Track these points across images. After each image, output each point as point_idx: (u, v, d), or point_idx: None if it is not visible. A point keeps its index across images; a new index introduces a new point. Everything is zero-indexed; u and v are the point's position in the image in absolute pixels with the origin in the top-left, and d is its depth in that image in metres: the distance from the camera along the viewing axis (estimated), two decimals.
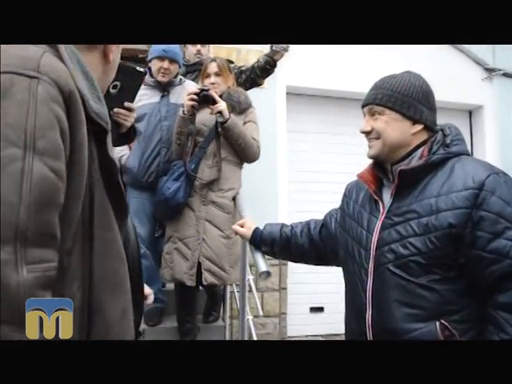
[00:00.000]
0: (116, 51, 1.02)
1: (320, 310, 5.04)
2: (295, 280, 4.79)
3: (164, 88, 2.93)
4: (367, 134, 1.46)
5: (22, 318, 0.70)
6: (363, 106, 1.49)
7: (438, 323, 1.26)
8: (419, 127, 1.41)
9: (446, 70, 5.25)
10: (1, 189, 0.70)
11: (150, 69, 2.96)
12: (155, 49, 2.91)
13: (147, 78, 2.92)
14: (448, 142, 1.39)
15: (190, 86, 2.98)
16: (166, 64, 2.88)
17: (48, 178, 0.74)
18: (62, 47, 0.87)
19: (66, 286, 0.81)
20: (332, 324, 4.63)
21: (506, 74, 5.50)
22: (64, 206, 0.78)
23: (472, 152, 5.61)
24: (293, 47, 4.23)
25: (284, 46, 3.00)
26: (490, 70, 5.49)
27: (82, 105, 0.82)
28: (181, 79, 3.04)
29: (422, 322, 1.28)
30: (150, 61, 2.95)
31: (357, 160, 4.73)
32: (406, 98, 1.40)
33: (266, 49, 4.60)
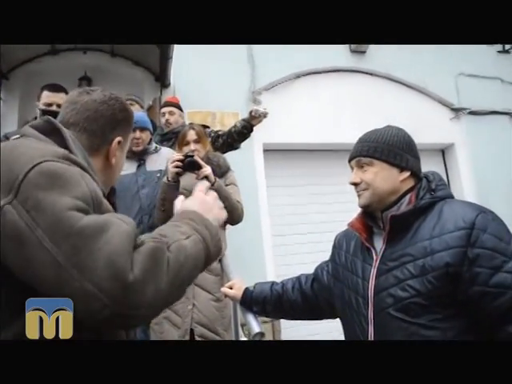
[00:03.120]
0: (119, 155, 1.08)
1: None
2: (289, 336, 4.68)
3: (139, 157, 2.96)
4: (356, 185, 1.51)
5: None
6: (350, 160, 1.54)
7: None
8: (406, 174, 1.47)
9: (414, 114, 5.48)
10: None
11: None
12: None
13: None
14: (433, 187, 1.46)
15: (167, 152, 3.02)
16: (137, 134, 2.93)
17: None
18: (71, 143, 0.95)
19: None
20: None
21: (472, 112, 5.76)
22: None
23: (449, 186, 5.73)
24: (265, 107, 4.39)
25: (263, 111, 3.07)
26: (456, 110, 5.74)
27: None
28: (156, 146, 3.08)
29: None
30: None
31: (337, 208, 4.85)
32: (391, 148, 1.47)
33: (241, 111, 4.82)
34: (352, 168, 1.54)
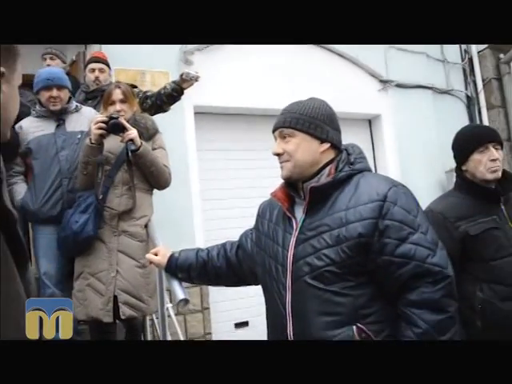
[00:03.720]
0: (7, 90, 0.92)
1: (245, 324, 5.04)
2: (217, 298, 4.76)
3: (58, 117, 2.80)
4: (279, 155, 1.53)
5: None
6: (274, 130, 1.56)
7: (354, 327, 1.34)
8: (326, 146, 1.50)
9: (344, 83, 5.57)
10: None
11: (39, 100, 2.83)
12: (39, 79, 2.80)
13: (38, 108, 2.81)
14: (352, 160, 1.50)
15: (89, 112, 2.88)
16: (54, 92, 2.77)
17: None
18: None
19: None
20: (258, 337, 4.64)
21: (398, 85, 5.95)
22: None
23: (374, 156, 5.98)
24: (197, 67, 4.26)
25: (194, 74, 2.97)
26: (384, 82, 5.90)
27: None
28: (77, 106, 2.92)
29: (340, 328, 1.35)
30: (38, 92, 2.82)
31: (267, 174, 4.89)
32: (312, 120, 1.49)
33: (171, 71, 4.65)
34: (275, 138, 1.56)
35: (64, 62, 3.74)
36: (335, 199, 1.44)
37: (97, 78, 3.24)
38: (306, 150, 1.49)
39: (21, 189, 2.74)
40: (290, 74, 5.23)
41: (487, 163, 1.96)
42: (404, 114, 5.92)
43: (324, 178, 1.48)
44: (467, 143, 2.02)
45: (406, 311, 1.34)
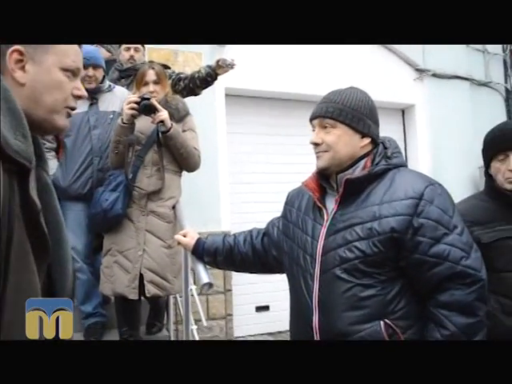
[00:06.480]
0: (33, 71, 0.92)
1: (266, 308, 5.08)
2: (240, 281, 4.80)
3: (92, 96, 2.82)
4: (316, 145, 1.49)
5: None
6: (313, 119, 1.52)
7: (382, 322, 1.33)
8: (367, 141, 1.48)
9: (379, 70, 5.46)
10: None
11: None
12: None
13: None
14: (389, 154, 1.48)
15: (122, 93, 2.90)
16: (90, 71, 2.80)
17: None
18: None
19: None
20: (278, 322, 4.70)
21: (435, 75, 5.79)
22: None
23: (405, 147, 5.87)
24: (231, 48, 4.23)
25: (230, 62, 2.96)
26: (420, 71, 5.75)
27: None
28: (110, 85, 2.95)
29: (367, 323, 1.34)
30: None
31: (297, 160, 4.87)
32: (355, 113, 1.46)
33: (204, 52, 4.63)
34: (313, 126, 1.52)
35: (109, 52, 3.76)
36: (369, 192, 1.42)
37: (131, 57, 3.24)
38: (347, 143, 1.46)
39: (52, 165, 2.79)
40: (322, 60, 5.15)
41: (505, 173, 1.79)
42: (439, 105, 5.78)
43: (359, 171, 1.46)
44: (488, 149, 1.87)
45: (435, 312, 1.32)
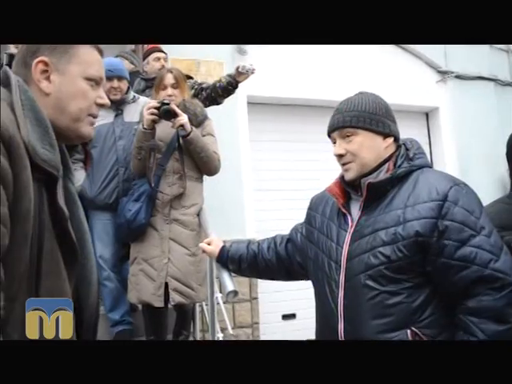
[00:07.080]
0: (58, 80, 0.95)
1: (292, 316, 5.04)
2: (266, 289, 4.78)
3: (117, 107, 2.89)
4: (341, 157, 1.47)
5: None
6: (332, 131, 1.50)
7: (409, 331, 1.30)
8: (390, 140, 1.46)
9: (401, 74, 5.40)
10: None
11: None
12: None
13: None
14: (411, 155, 1.45)
15: (145, 103, 2.95)
16: (115, 83, 2.86)
17: None
18: (16, 92, 0.85)
19: (6, 334, 0.77)
20: (305, 330, 4.64)
21: (458, 76, 5.70)
22: (8, 251, 0.75)
23: (430, 151, 5.77)
24: (251, 57, 4.25)
25: (250, 67, 2.97)
26: (443, 73, 5.68)
27: (25, 151, 0.79)
28: (134, 96, 3.01)
29: (393, 332, 1.31)
30: None
31: (320, 166, 4.84)
32: (373, 116, 1.44)
33: (226, 61, 4.67)
34: (333, 139, 1.51)
35: (132, 64, 3.84)
36: (393, 196, 1.39)
37: (163, 67, 3.31)
38: (371, 147, 1.44)
39: (80, 176, 2.85)
40: (343, 65, 5.13)
41: None
42: (464, 107, 5.67)
43: (383, 174, 1.44)
44: (510, 152, 1.85)
45: (464, 319, 1.28)
